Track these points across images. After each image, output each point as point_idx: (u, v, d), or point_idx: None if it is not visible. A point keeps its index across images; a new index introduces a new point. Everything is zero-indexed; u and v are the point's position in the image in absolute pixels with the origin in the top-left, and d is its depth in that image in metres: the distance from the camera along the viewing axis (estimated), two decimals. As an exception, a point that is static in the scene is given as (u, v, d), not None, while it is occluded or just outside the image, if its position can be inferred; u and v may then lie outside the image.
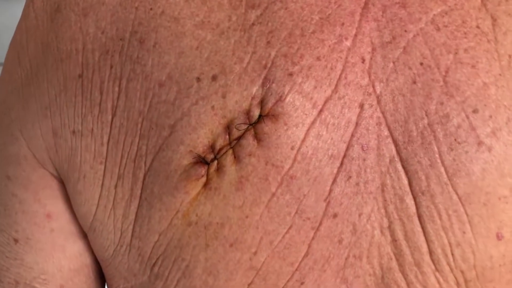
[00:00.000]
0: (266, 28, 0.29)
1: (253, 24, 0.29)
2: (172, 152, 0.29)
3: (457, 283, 0.31)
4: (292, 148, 0.29)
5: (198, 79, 0.29)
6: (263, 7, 0.29)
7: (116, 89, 0.31)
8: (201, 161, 0.29)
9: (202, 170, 0.29)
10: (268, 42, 0.29)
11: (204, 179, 0.29)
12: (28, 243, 0.35)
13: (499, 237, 0.30)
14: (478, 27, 0.30)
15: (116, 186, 0.32)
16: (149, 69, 0.30)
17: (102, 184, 0.32)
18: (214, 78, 0.29)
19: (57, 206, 0.35)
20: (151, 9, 0.30)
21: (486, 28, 0.30)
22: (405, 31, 0.29)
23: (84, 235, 0.36)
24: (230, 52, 0.29)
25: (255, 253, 0.30)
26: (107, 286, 0.38)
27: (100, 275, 0.38)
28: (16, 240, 0.35)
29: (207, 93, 0.29)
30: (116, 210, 0.32)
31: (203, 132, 0.29)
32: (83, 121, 0.31)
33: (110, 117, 0.31)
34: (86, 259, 0.37)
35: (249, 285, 0.31)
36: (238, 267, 0.30)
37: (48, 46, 0.33)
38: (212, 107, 0.29)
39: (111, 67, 0.31)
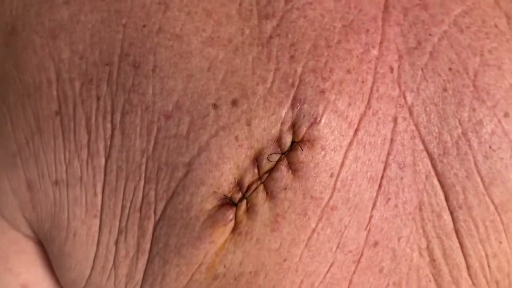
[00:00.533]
0: (287, 40, 0.25)
1: (270, 37, 0.25)
2: (190, 195, 0.25)
3: None
4: (331, 176, 0.25)
5: (215, 106, 0.25)
6: (278, 16, 0.26)
7: (108, 125, 0.25)
8: (228, 202, 0.24)
9: (231, 214, 0.24)
10: (292, 57, 0.25)
11: (232, 223, 0.25)
12: None
13: None
14: (496, 26, 0.28)
15: (117, 242, 0.26)
16: (150, 99, 0.25)
17: (98, 242, 0.26)
18: (234, 103, 0.25)
19: (34, 274, 0.29)
20: (144, 26, 0.25)
21: (503, 27, 0.29)
22: (430, 34, 0.27)
23: None
24: (250, 71, 0.25)
25: None
26: None
27: None
28: None
29: (228, 122, 0.24)
30: (118, 270, 0.27)
31: (228, 168, 0.24)
32: (68, 168, 0.26)
33: (103, 161, 0.25)
34: None
35: None
36: None
37: (6, 78, 0.26)
38: (236, 137, 0.24)
39: (98, 99, 0.25)
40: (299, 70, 0.25)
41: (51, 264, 0.29)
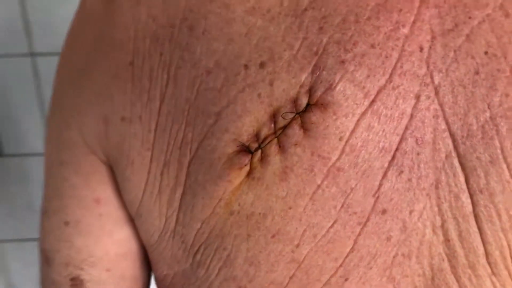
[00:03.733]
0: (319, 13, 0.28)
1: (305, 9, 0.28)
2: (216, 140, 0.29)
3: None
4: (340, 139, 0.27)
5: (246, 66, 0.28)
6: None
7: (165, 76, 0.31)
8: (245, 150, 0.28)
9: (246, 159, 0.28)
10: (321, 28, 0.28)
11: (247, 168, 0.29)
12: (77, 226, 0.36)
13: None
14: None
15: (162, 173, 0.32)
16: (198, 56, 0.30)
17: (149, 171, 0.32)
18: (262, 65, 0.28)
19: (106, 192, 0.36)
20: None
21: None
22: (470, 17, 0.27)
23: (131, 221, 0.37)
24: (280, 38, 0.28)
25: (297, 245, 0.29)
26: (153, 272, 0.38)
27: (146, 261, 0.39)
28: (66, 223, 0.36)
29: (254, 81, 0.28)
30: (162, 197, 0.32)
31: (249, 120, 0.28)
32: (132, 108, 0.32)
33: (158, 104, 0.31)
34: (133, 245, 0.37)
35: (290, 277, 0.30)
36: (280, 259, 0.29)
37: (101, 34, 0.33)
38: (259, 94, 0.28)
39: (161, 54, 0.31)
40: (325, 40, 0.27)
41: (118, 187, 0.36)
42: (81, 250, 0.36)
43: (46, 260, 0.38)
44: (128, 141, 0.32)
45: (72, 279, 0.37)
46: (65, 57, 0.36)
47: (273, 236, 0.29)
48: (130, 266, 0.38)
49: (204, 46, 0.29)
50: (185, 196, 0.31)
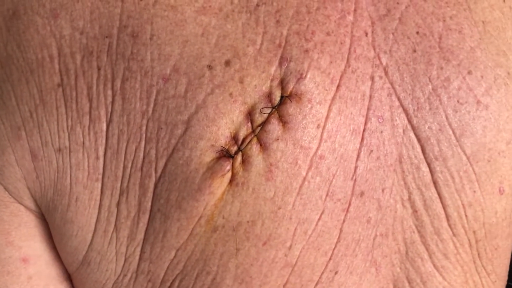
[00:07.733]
0: (272, 8, 0.28)
1: (257, 5, 0.28)
2: (190, 150, 0.26)
3: (470, 245, 0.31)
4: (318, 127, 0.27)
5: (210, 67, 0.27)
6: None
7: (109, 92, 0.27)
8: (225, 155, 0.26)
9: (228, 164, 0.26)
10: (278, 21, 0.28)
11: (229, 175, 0.26)
12: None
13: (500, 191, 0.32)
14: None
15: (118, 204, 0.27)
16: (149, 64, 0.27)
17: (100, 205, 0.27)
18: (227, 63, 0.27)
19: (34, 247, 0.29)
20: (141, 0, 0.27)
21: None
22: (398, 3, 0.30)
23: (65, 278, 0.31)
24: (240, 35, 0.27)
25: (290, 247, 0.28)
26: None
27: None
28: None
29: (223, 80, 0.26)
30: (120, 232, 0.28)
31: (224, 122, 0.26)
32: (70, 135, 0.27)
33: (104, 125, 0.27)
34: None
35: (284, 285, 0.28)
36: (273, 267, 0.28)
37: (9, 58, 0.28)
38: (230, 94, 0.26)
39: (99, 69, 0.27)
40: (285, 32, 0.27)
41: (50, 239, 0.30)
42: None
43: None
44: (68, 175, 0.27)
45: None
46: None
47: (264, 243, 0.27)
48: None
49: (155, 52, 0.27)
50: (153, 223, 0.27)
